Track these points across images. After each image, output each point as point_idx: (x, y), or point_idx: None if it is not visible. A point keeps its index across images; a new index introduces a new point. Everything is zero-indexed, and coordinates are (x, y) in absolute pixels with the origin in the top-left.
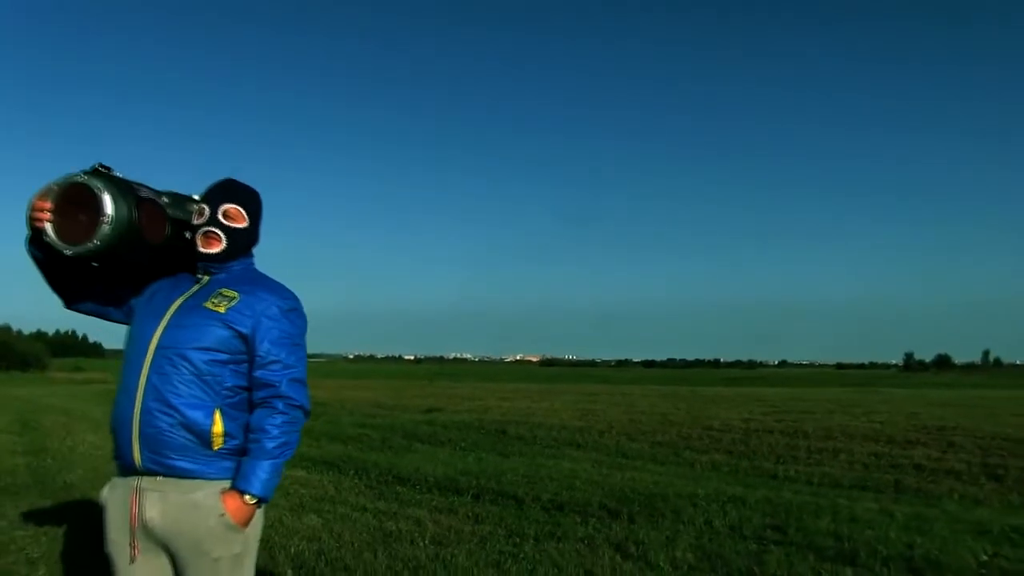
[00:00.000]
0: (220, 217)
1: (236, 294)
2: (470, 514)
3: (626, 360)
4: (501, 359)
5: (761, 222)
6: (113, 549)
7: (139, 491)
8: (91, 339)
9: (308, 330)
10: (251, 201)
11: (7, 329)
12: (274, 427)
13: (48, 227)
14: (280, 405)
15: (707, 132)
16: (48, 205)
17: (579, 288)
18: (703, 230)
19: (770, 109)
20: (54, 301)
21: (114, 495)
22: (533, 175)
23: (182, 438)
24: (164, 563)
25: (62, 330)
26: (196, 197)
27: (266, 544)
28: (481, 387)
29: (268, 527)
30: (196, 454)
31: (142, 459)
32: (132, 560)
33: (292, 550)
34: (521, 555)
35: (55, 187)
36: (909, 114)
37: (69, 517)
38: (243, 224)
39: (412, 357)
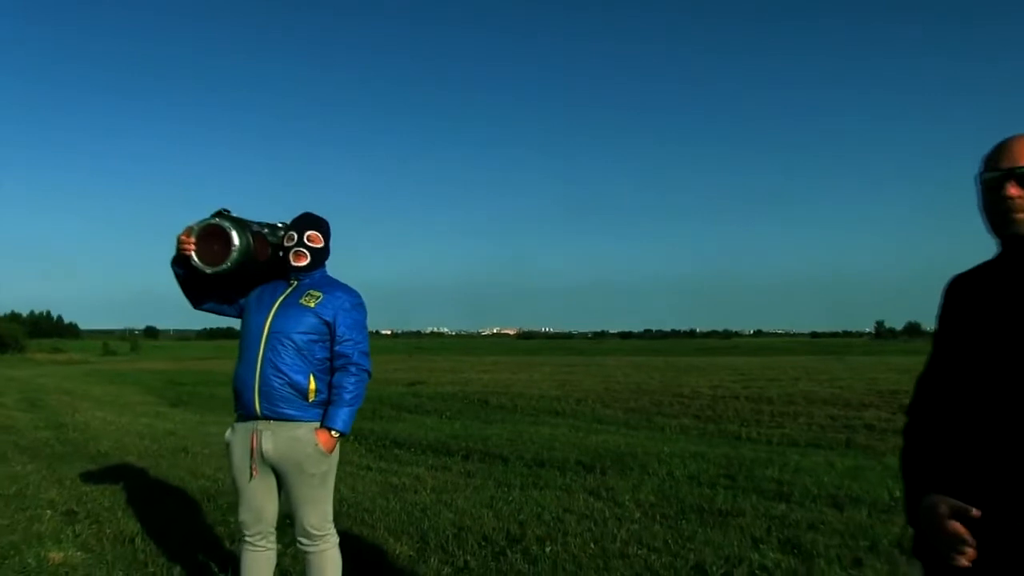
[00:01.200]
0: (305, 240)
1: (320, 294)
2: (462, 470)
3: (603, 332)
4: (478, 333)
5: (737, 196)
6: (237, 472)
7: (257, 431)
8: (67, 320)
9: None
10: (325, 228)
11: None
12: (350, 384)
13: (193, 254)
14: (353, 369)
15: (683, 107)
16: (192, 239)
17: (556, 261)
18: (680, 203)
19: (746, 84)
20: (27, 284)
21: (236, 435)
22: (509, 151)
23: (288, 393)
24: (272, 480)
25: (36, 311)
26: (280, 224)
27: None
28: (461, 360)
29: None
30: (297, 404)
31: (260, 408)
32: (251, 478)
33: None
34: (510, 499)
35: (195, 227)
36: (879, 88)
37: (120, 476)
38: (320, 245)
39: (389, 332)
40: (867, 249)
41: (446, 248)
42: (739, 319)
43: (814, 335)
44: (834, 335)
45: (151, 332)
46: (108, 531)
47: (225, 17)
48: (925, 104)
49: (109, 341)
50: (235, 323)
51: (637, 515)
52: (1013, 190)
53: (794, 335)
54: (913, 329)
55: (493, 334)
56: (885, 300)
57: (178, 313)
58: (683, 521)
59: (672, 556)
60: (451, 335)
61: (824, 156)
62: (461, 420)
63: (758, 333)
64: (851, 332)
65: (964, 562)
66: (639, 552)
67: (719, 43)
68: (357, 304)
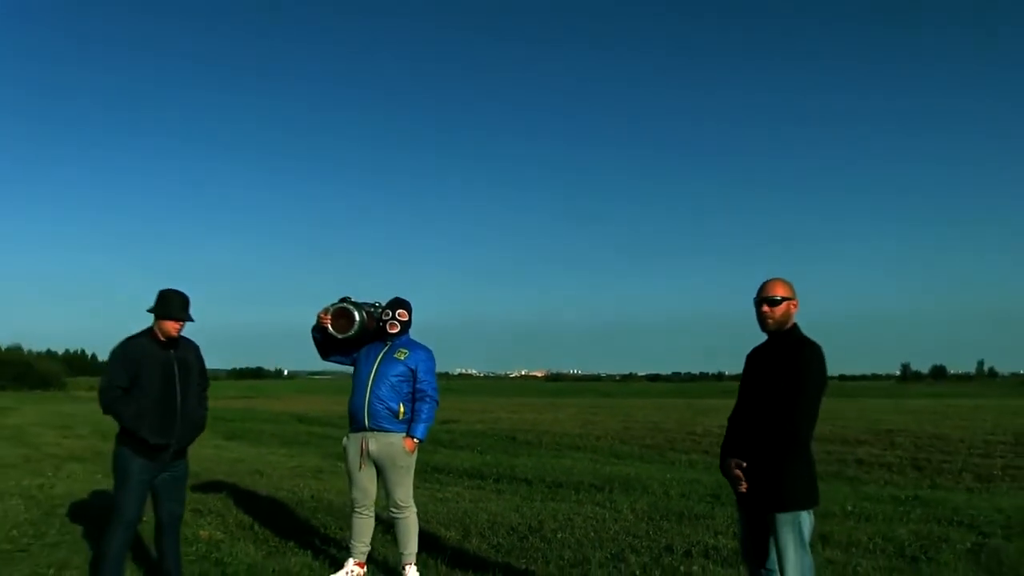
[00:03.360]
0: (396, 316)
1: (407, 350)
2: (494, 489)
3: (631, 374)
4: (506, 374)
5: (764, 236)
6: (351, 465)
7: (365, 438)
8: (100, 358)
9: (312, 350)
10: (409, 307)
11: (18, 348)
12: (426, 409)
13: (328, 326)
14: (428, 400)
15: (709, 143)
16: (328, 316)
17: (584, 302)
18: (708, 243)
19: (771, 121)
20: (59, 321)
21: (350, 441)
22: (536, 187)
23: (386, 413)
24: (374, 471)
25: (71, 349)
26: (378, 304)
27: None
28: (490, 401)
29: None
30: (391, 420)
31: (368, 423)
32: (360, 468)
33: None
34: (532, 506)
35: (330, 308)
36: (904, 122)
37: (219, 488)
38: (406, 319)
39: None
40: (894, 291)
41: (473, 289)
42: None
43: (842, 377)
44: (862, 377)
45: None
46: (230, 521)
47: (214, 29)
48: (956, 143)
49: None
50: (268, 365)
51: (630, 517)
52: (765, 308)
53: None
54: (939, 372)
55: (521, 376)
56: (912, 343)
57: (209, 353)
58: (664, 521)
59: (650, 541)
60: (479, 376)
61: (849, 196)
62: (492, 453)
63: None
64: (880, 375)
65: (742, 489)
66: (626, 538)
67: (736, 78)
68: (430, 357)
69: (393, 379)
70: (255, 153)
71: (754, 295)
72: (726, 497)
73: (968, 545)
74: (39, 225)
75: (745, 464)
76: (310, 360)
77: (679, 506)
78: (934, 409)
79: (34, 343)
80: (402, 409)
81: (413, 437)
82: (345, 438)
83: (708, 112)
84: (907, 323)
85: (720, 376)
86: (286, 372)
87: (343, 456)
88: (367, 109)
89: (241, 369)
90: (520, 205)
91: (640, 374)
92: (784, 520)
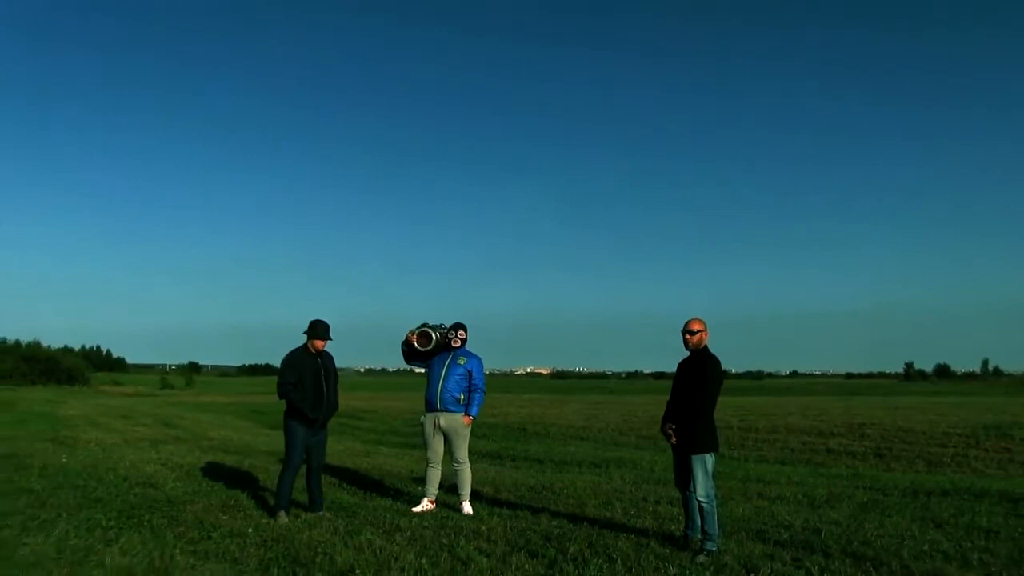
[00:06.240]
0: (458, 335)
1: (465, 358)
2: (512, 466)
3: (636, 372)
4: (512, 372)
5: (770, 233)
6: (427, 435)
7: (436, 416)
8: (115, 354)
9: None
10: (466, 329)
11: (38, 344)
12: (478, 397)
13: (414, 342)
14: (479, 391)
15: (712, 141)
16: (414, 335)
17: (589, 300)
18: (713, 241)
19: (774, 119)
20: (66, 319)
21: (426, 418)
22: (540, 185)
23: (452, 399)
24: (442, 438)
25: (87, 345)
26: (445, 326)
27: (397, 477)
28: (499, 397)
29: (408, 471)
30: (455, 404)
31: (440, 406)
32: (433, 436)
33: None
34: (544, 475)
35: (416, 329)
36: (909, 124)
37: None
38: (464, 337)
39: (423, 370)
40: (900, 290)
41: (479, 285)
42: (775, 360)
43: (848, 376)
44: (868, 375)
45: (195, 367)
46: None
47: (215, 30)
48: (961, 145)
49: (165, 376)
50: (275, 362)
51: (619, 481)
52: (687, 336)
53: (831, 376)
54: (943, 371)
55: (527, 373)
56: (917, 342)
57: (216, 349)
58: (645, 484)
59: (631, 495)
60: (486, 374)
61: (852, 196)
62: (506, 441)
63: (793, 374)
64: (887, 373)
65: (673, 442)
66: (614, 493)
67: (738, 77)
68: (481, 363)
69: (456, 377)
70: (256, 158)
71: (681, 327)
72: None
73: (864, 499)
74: (50, 228)
75: (674, 426)
76: None
77: (659, 476)
78: (916, 406)
79: (50, 339)
80: (462, 397)
81: (469, 415)
82: (422, 416)
83: (709, 116)
84: (912, 322)
85: (726, 374)
86: None
87: (420, 428)
88: (369, 108)
89: (252, 365)
90: (526, 205)
91: (646, 371)
92: (697, 459)
